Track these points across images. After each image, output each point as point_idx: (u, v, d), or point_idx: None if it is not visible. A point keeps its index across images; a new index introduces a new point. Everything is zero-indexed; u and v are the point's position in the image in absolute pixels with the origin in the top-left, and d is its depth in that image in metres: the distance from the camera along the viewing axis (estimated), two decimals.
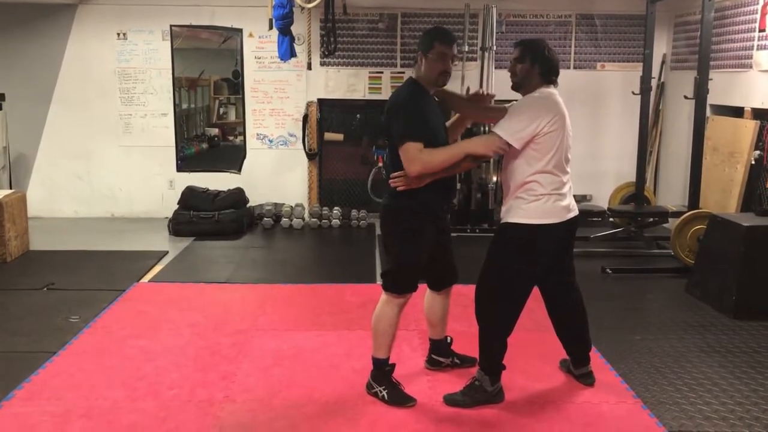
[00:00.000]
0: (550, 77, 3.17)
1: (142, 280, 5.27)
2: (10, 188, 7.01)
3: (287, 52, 6.02)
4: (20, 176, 7.36)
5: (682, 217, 5.48)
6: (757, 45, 5.73)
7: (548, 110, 3.07)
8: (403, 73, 7.27)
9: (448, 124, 3.43)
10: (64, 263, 5.69)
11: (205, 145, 10.03)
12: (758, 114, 5.77)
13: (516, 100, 3.25)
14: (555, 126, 3.06)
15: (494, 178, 6.71)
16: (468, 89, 3.16)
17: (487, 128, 6.56)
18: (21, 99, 7.20)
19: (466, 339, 3.77)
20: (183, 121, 8.91)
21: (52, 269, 5.50)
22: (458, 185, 6.61)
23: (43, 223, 7.11)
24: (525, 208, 3.12)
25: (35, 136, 7.30)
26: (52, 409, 3.22)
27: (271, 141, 7.50)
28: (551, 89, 3.17)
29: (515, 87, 3.25)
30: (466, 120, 3.55)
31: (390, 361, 3.34)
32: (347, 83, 7.41)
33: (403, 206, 3.20)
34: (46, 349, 3.90)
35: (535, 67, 3.16)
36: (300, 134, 7.42)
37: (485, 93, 3.46)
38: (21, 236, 5.91)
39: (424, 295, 3.58)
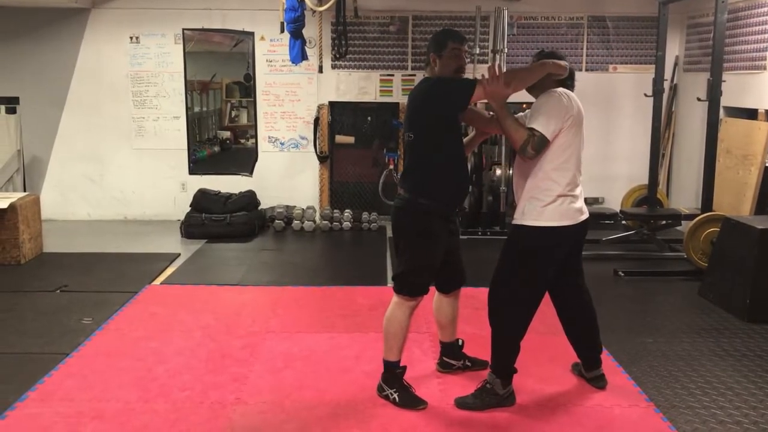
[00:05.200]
0: (564, 81, 3.21)
1: (155, 282, 5.30)
2: (24, 191, 7.07)
3: (299, 55, 6.03)
4: (34, 179, 7.42)
5: (695, 219, 5.45)
6: None
7: (570, 106, 3.11)
8: (414, 75, 7.27)
9: (465, 140, 3.46)
10: (77, 265, 5.73)
11: (216, 148, 10.07)
12: None
13: (528, 103, 3.27)
14: (575, 122, 3.10)
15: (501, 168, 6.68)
16: (483, 75, 3.21)
17: (498, 135, 6.57)
18: (35, 102, 7.26)
19: (478, 342, 3.77)
20: (195, 124, 8.95)
21: (66, 271, 5.54)
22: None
23: (57, 225, 7.16)
24: (540, 211, 3.12)
25: (49, 139, 7.36)
26: (64, 410, 3.24)
27: (282, 144, 7.52)
28: (567, 90, 3.19)
29: (528, 89, 3.28)
30: (482, 135, 3.58)
31: (401, 364, 3.34)
32: (358, 86, 7.42)
33: (416, 207, 3.20)
34: (59, 351, 3.92)
35: None
36: (311, 137, 7.44)
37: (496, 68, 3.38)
38: (35, 239, 5.95)
39: (433, 298, 3.58)
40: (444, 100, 3.17)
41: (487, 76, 3.16)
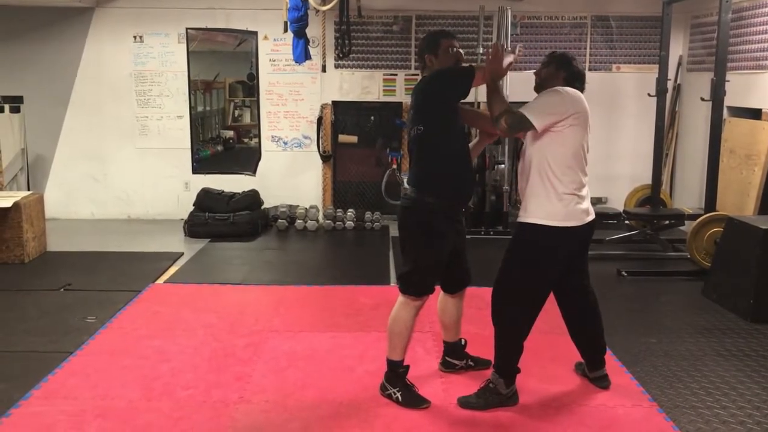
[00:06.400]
0: (573, 83, 3.20)
1: (158, 281, 5.31)
2: (28, 190, 7.09)
3: (302, 54, 6.04)
4: (38, 178, 7.43)
5: (699, 219, 5.44)
6: None
7: (574, 104, 3.09)
8: (417, 75, 7.22)
9: (471, 144, 3.47)
10: (81, 264, 5.74)
11: (220, 148, 10.05)
12: None
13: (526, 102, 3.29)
14: (579, 121, 3.08)
15: (508, 162, 6.67)
16: (487, 50, 3.23)
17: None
18: (39, 101, 7.27)
19: (481, 341, 3.77)
20: (198, 123, 8.95)
21: (69, 270, 5.55)
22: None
23: (60, 224, 7.18)
24: (545, 209, 3.11)
25: (53, 138, 7.38)
26: (68, 408, 3.25)
27: (285, 143, 7.52)
28: (575, 90, 3.19)
29: (537, 88, 3.29)
30: (487, 137, 3.57)
31: (404, 363, 3.34)
32: (361, 85, 7.42)
33: (423, 207, 3.21)
34: (62, 349, 3.93)
35: (560, 72, 3.22)
36: (314, 136, 7.45)
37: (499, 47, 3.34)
38: (38, 237, 5.96)
39: (437, 298, 3.58)
40: (446, 87, 3.19)
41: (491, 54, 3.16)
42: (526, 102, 3.24)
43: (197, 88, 8.93)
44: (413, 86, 3.44)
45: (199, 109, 9.38)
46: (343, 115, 7.50)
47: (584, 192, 3.17)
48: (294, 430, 3.09)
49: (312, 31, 6.34)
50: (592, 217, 3.22)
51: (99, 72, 7.30)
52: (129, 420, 3.15)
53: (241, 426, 3.12)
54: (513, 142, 6.75)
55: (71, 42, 7.22)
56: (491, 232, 6.79)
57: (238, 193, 7.17)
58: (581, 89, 3.23)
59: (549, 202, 3.11)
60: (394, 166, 7.14)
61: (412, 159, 3.33)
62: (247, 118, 10.53)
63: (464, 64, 3.31)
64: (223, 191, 7.17)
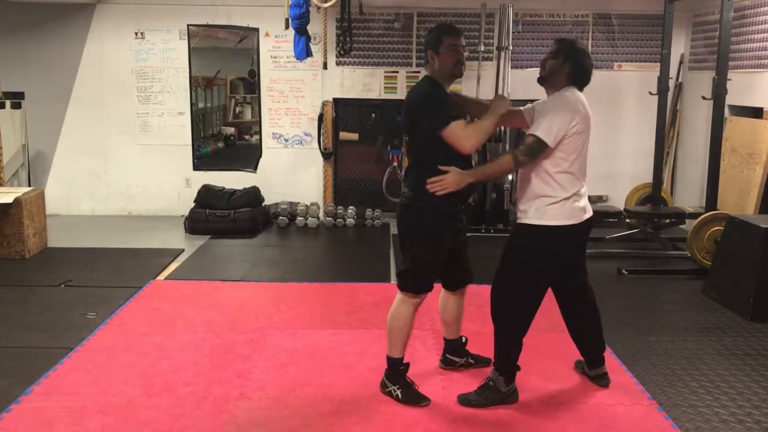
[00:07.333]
0: (577, 82, 3.15)
1: (159, 278, 5.31)
2: (29, 186, 7.09)
3: (303, 51, 6.04)
4: (39, 174, 7.44)
5: (700, 218, 5.44)
6: None
7: (577, 111, 3.06)
8: (419, 72, 7.26)
9: None
10: (82, 260, 5.74)
11: (221, 144, 10.08)
12: None
13: (532, 100, 3.27)
14: (581, 127, 3.06)
15: (509, 176, 6.66)
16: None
17: (503, 130, 6.57)
18: (40, 97, 7.27)
19: (481, 339, 3.77)
20: (199, 119, 8.95)
21: (70, 266, 5.55)
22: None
23: (61, 220, 7.18)
24: (545, 210, 3.11)
25: (54, 134, 7.38)
26: (69, 404, 3.25)
27: (286, 140, 7.52)
28: (577, 91, 3.15)
29: (540, 80, 3.24)
30: None
31: (404, 361, 3.34)
32: (363, 83, 7.42)
33: (423, 206, 3.20)
34: (63, 345, 3.94)
35: (566, 66, 3.14)
36: (315, 133, 7.44)
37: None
38: (39, 233, 5.97)
39: (439, 295, 3.58)
40: (424, 121, 3.17)
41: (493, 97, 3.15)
42: (527, 101, 3.23)
43: (198, 84, 8.94)
44: (414, 84, 3.43)
45: (200, 105, 9.39)
46: (344, 113, 7.49)
47: (582, 191, 3.17)
48: (294, 426, 3.10)
49: (313, 28, 6.33)
50: (589, 214, 3.22)
51: (100, 68, 7.30)
52: (129, 416, 3.16)
53: (242, 422, 3.13)
54: (514, 140, 6.74)
55: (72, 38, 7.22)
56: (491, 230, 6.80)
57: (239, 190, 7.17)
58: (583, 87, 3.18)
59: (548, 204, 3.10)
60: (395, 164, 7.14)
61: (410, 158, 3.33)
62: (248, 115, 10.56)
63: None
64: (223, 188, 7.17)
